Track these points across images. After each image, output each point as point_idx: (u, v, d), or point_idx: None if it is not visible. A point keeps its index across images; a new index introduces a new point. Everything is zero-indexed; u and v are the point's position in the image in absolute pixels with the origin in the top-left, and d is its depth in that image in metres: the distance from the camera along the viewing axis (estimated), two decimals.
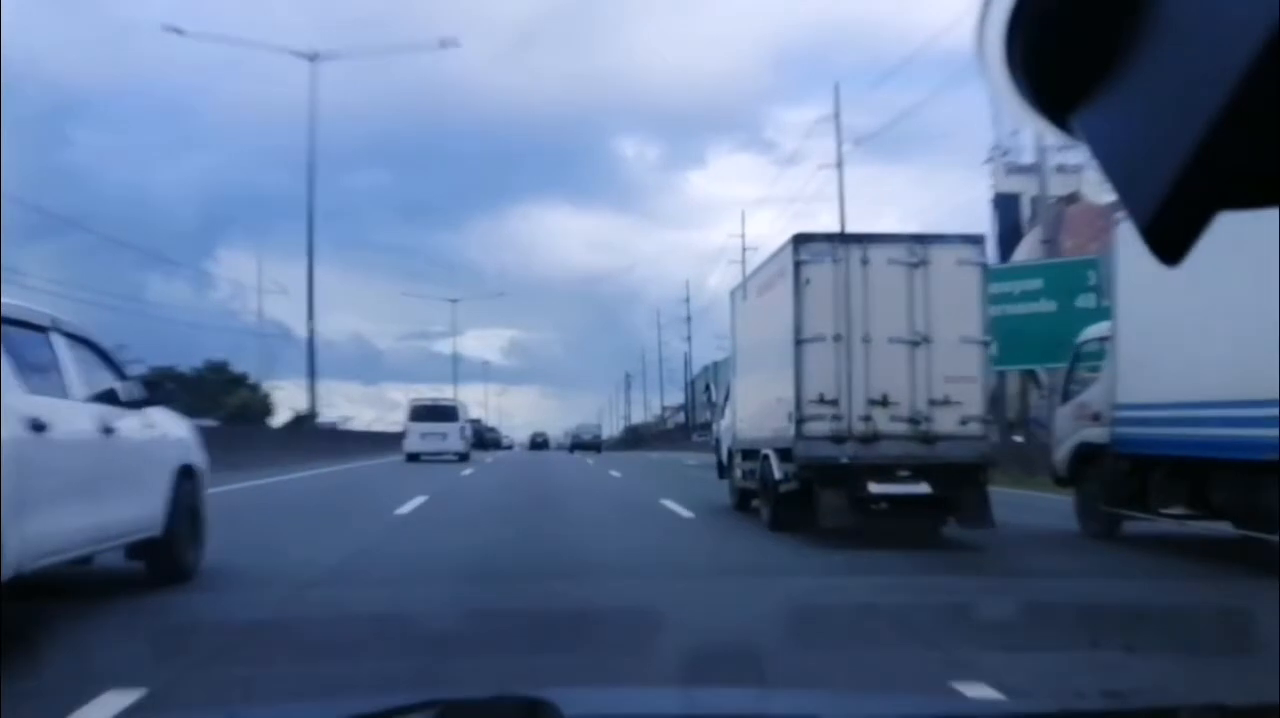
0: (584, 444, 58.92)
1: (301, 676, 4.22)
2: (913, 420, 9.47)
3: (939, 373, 9.51)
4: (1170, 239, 0.51)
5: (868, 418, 9.45)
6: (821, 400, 9.47)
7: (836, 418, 9.44)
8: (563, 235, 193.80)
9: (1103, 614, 6.00)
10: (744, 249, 50.54)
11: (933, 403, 9.48)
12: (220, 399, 48.41)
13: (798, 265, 9.61)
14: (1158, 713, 1.95)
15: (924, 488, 9.27)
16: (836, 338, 9.54)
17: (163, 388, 7.18)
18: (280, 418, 58.90)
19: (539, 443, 75.75)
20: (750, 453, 11.80)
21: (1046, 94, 0.55)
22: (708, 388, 16.03)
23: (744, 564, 8.36)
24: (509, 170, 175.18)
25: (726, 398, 14.06)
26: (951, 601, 6.41)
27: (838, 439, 9.42)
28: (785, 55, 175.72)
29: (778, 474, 10.10)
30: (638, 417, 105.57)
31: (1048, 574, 8.00)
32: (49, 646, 4.67)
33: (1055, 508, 11.49)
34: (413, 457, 29.53)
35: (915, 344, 9.55)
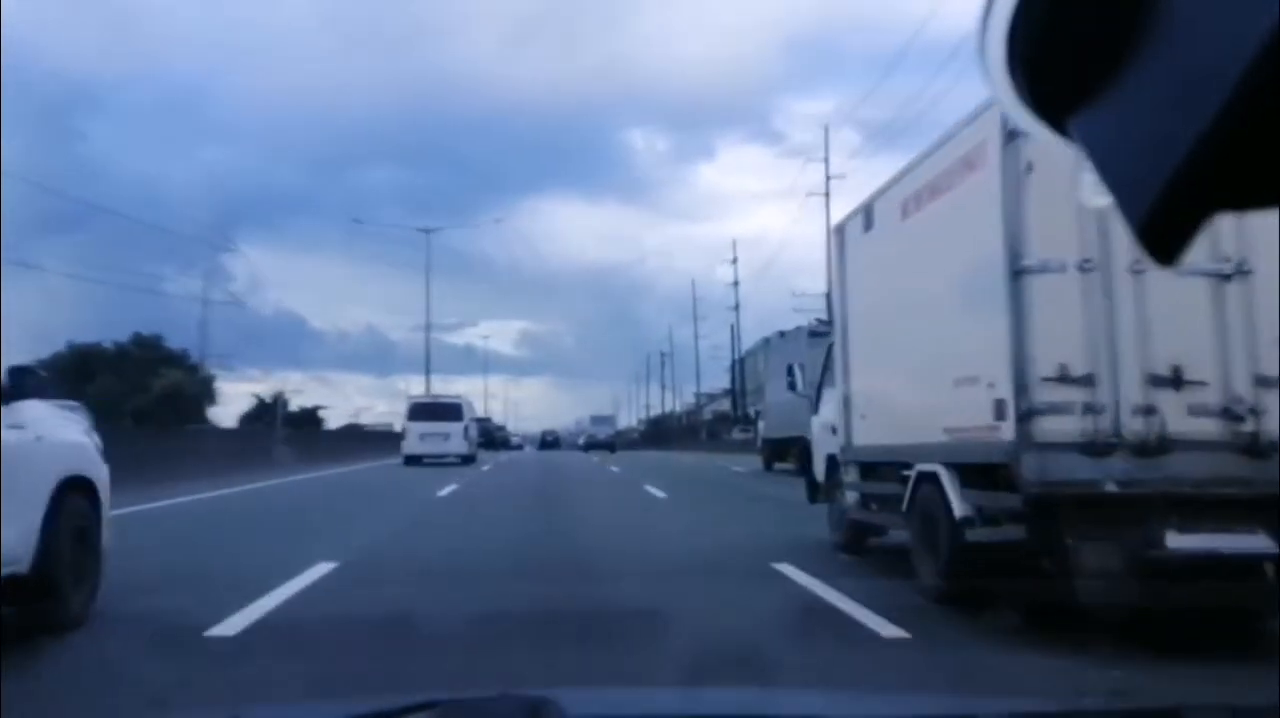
0: (598, 444, 56.78)
1: None
2: (1229, 414, 5.23)
3: (1268, 328, 5.28)
4: (1164, 241, 0.51)
5: (1149, 409, 5.22)
6: (1064, 378, 5.23)
7: (1093, 410, 5.21)
8: (573, 228, 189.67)
9: None
10: (828, 178, 44.07)
11: (1261, 382, 5.26)
12: (145, 381, 41.26)
13: (1011, 139, 5.37)
14: (1163, 713, 1.93)
15: (1261, 542, 5.03)
16: (1085, 266, 5.31)
17: (31, 379, 5.67)
18: (234, 407, 52.91)
19: (549, 442, 72.51)
20: (879, 468, 7.59)
21: (1045, 97, 0.55)
22: (791, 371, 11.66)
23: None
24: (518, 162, 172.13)
25: (822, 381, 9.80)
26: None
27: (1097, 449, 5.17)
28: (794, 43, 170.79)
29: (959, 509, 5.88)
30: (665, 405, 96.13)
31: None
32: None
33: None
34: (412, 459, 26.93)
35: (1224, 278, 5.32)
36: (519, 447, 67.76)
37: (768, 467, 24.67)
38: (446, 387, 69.91)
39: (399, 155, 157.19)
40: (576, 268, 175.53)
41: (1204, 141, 0.46)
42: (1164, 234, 0.50)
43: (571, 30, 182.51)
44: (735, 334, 62.47)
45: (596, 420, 68.93)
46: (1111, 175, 0.52)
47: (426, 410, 28.74)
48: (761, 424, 28.36)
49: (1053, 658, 4.61)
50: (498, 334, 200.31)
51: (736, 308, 62.40)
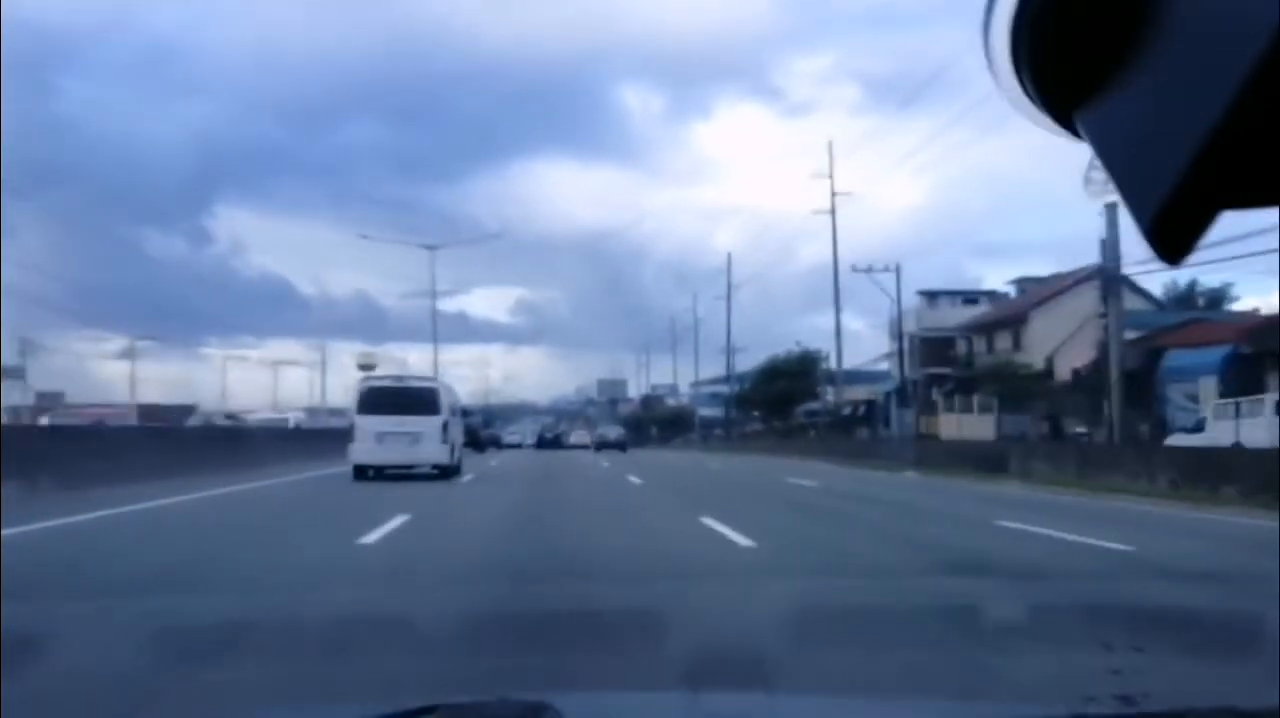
0: (609, 444, 51.67)
1: None
2: None
3: None
4: (1173, 239, 0.51)
5: None
6: None
7: None
8: (567, 190, 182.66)
9: None
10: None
11: None
12: None
13: None
14: (1169, 717, 1.88)
15: None
16: None
17: None
18: None
19: (548, 440, 58.54)
20: None
21: (1051, 93, 0.55)
22: None
23: None
24: (509, 122, 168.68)
25: None
26: None
27: None
28: None
29: None
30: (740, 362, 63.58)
31: None
32: None
33: None
34: (364, 470, 18.74)
35: None
36: (515, 444, 55.09)
37: None
38: (440, 357, 54.64)
39: (384, 112, 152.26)
40: (572, 232, 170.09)
41: (1212, 138, 0.46)
42: (1173, 232, 0.50)
43: None
44: None
45: (605, 387, 58.18)
46: (1120, 172, 0.52)
47: (386, 398, 19.28)
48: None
49: None
50: (493, 301, 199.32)
51: None
